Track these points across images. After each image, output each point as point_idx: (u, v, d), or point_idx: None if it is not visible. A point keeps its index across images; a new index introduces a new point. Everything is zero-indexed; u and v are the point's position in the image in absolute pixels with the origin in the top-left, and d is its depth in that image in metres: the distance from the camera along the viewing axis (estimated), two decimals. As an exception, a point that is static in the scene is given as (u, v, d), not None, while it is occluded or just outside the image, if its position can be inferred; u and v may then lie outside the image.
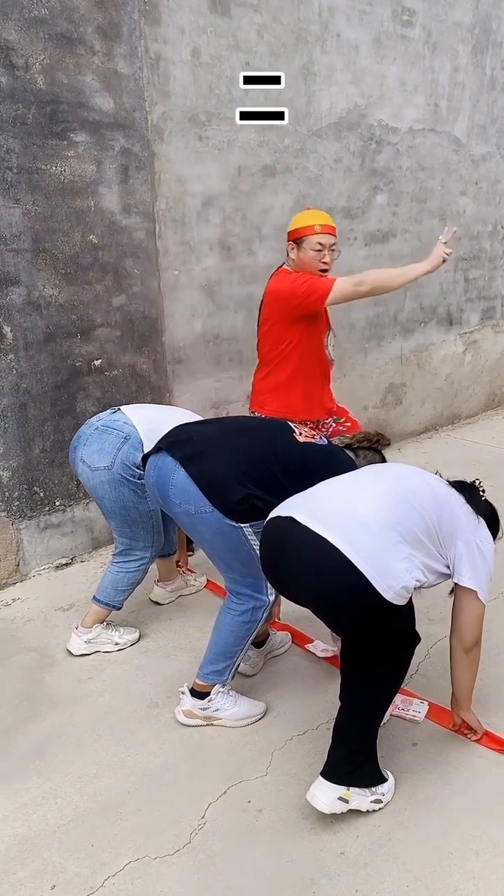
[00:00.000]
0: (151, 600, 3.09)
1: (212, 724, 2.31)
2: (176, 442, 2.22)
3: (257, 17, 3.56)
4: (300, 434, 2.29)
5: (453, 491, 2.02)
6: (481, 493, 2.09)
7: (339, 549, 1.76)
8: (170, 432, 2.32)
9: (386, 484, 1.94)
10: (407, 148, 4.60)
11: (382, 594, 1.74)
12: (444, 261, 2.86)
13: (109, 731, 2.32)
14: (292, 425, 2.36)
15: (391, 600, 1.76)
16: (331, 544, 1.77)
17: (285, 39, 3.71)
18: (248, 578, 2.21)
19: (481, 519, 2.01)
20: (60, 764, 2.18)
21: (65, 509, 3.40)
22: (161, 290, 3.52)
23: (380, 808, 1.97)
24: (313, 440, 2.30)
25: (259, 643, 2.62)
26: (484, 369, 5.96)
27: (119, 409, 2.68)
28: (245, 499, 2.07)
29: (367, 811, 1.95)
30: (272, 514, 1.96)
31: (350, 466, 2.23)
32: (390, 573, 1.76)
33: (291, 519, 1.86)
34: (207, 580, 3.23)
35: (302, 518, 1.85)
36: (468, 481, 2.15)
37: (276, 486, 2.09)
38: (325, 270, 2.85)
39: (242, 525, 2.10)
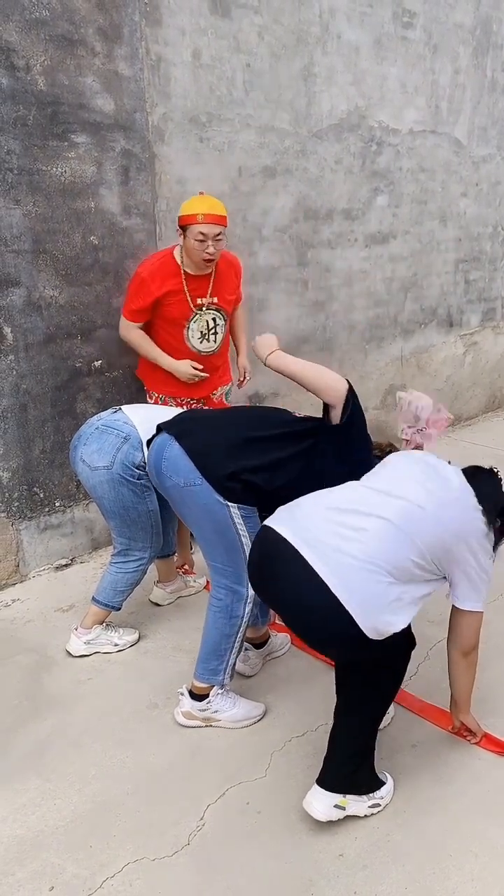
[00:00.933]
0: (151, 601, 3.09)
1: (211, 726, 2.31)
2: (173, 422, 2.27)
3: (258, 19, 3.56)
4: (299, 413, 2.34)
5: (467, 508, 1.86)
6: (500, 480, 1.98)
7: (331, 587, 1.69)
8: (173, 417, 2.36)
9: (392, 511, 1.80)
10: (407, 149, 4.60)
11: (366, 633, 1.70)
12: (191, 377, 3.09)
13: (108, 732, 2.32)
14: (293, 411, 2.42)
15: (371, 637, 1.72)
16: (324, 584, 1.70)
17: (286, 41, 3.71)
18: (229, 567, 2.21)
19: (489, 528, 1.88)
20: (59, 765, 2.18)
21: (64, 510, 3.40)
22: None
23: (378, 812, 1.97)
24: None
25: (259, 644, 2.62)
26: (484, 371, 5.96)
27: (120, 408, 2.68)
28: (236, 473, 2.08)
29: (366, 815, 1.95)
30: (266, 523, 1.89)
31: None
32: (378, 619, 1.71)
33: (284, 540, 1.79)
34: (207, 581, 3.23)
35: (296, 543, 1.77)
36: (486, 468, 2.02)
37: (262, 455, 2.11)
38: (208, 261, 2.93)
39: (231, 504, 2.10)
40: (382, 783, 2.00)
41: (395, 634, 1.79)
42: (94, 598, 2.75)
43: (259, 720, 2.34)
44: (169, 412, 2.72)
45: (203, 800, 2.03)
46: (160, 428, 2.29)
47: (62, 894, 1.76)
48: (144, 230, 3.36)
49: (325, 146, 4.08)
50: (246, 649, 2.56)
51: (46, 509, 3.33)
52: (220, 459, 2.10)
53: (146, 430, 2.53)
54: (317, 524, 1.81)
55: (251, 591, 2.24)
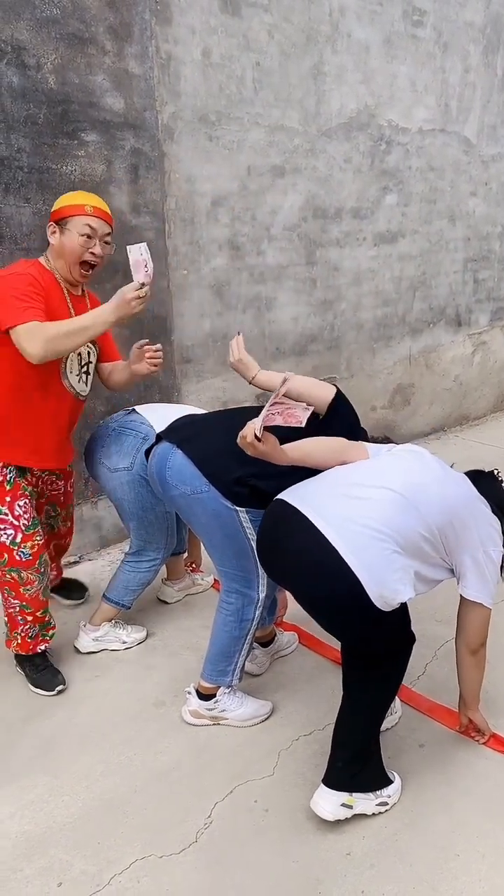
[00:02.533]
0: (159, 599, 3.10)
1: (218, 724, 2.31)
2: (173, 428, 2.26)
3: (268, 17, 3.56)
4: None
5: (471, 492, 1.95)
6: (501, 482, 2.06)
7: (340, 553, 1.73)
8: (170, 424, 2.35)
9: (397, 484, 1.85)
10: (417, 148, 4.59)
11: (374, 602, 1.73)
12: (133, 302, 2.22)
13: (116, 729, 2.32)
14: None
15: (381, 608, 1.75)
16: (332, 546, 1.75)
17: (296, 39, 3.71)
18: (240, 572, 2.21)
19: (496, 519, 1.97)
20: (67, 762, 2.19)
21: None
22: (170, 289, 3.53)
23: (386, 811, 1.97)
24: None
25: (266, 643, 2.62)
26: (493, 370, 5.94)
27: (133, 409, 2.68)
28: (243, 478, 2.06)
29: (374, 814, 1.95)
30: (278, 497, 1.94)
31: None
32: (385, 586, 1.74)
33: (296, 510, 1.84)
34: (215, 579, 3.24)
35: (307, 511, 1.82)
36: (486, 471, 2.11)
37: (276, 466, 2.09)
38: (88, 266, 2.35)
39: (239, 508, 2.09)
40: (390, 781, 2.00)
41: (394, 627, 1.83)
42: (104, 596, 2.76)
43: (267, 719, 2.34)
44: (182, 413, 2.73)
45: (211, 798, 2.04)
46: (159, 437, 2.27)
47: (70, 890, 1.76)
48: (154, 228, 3.37)
49: (334, 145, 4.08)
50: (253, 648, 2.56)
51: (55, 507, 3.34)
52: (225, 465, 2.08)
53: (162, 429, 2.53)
54: (325, 495, 1.86)
55: (262, 595, 2.25)
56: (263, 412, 1.77)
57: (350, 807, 1.91)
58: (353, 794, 1.92)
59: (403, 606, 1.85)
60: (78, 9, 2.89)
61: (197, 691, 2.33)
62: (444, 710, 2.35)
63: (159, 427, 2.54)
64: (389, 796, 1.98)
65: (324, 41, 3.85)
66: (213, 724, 2.31)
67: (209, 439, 2.15)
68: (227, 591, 2.27)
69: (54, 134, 2.94)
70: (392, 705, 2.22)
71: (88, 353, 2.48)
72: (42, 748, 2.24)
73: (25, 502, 2.39)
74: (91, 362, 2.51)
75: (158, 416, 2.62)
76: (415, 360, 5.12)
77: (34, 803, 2.03)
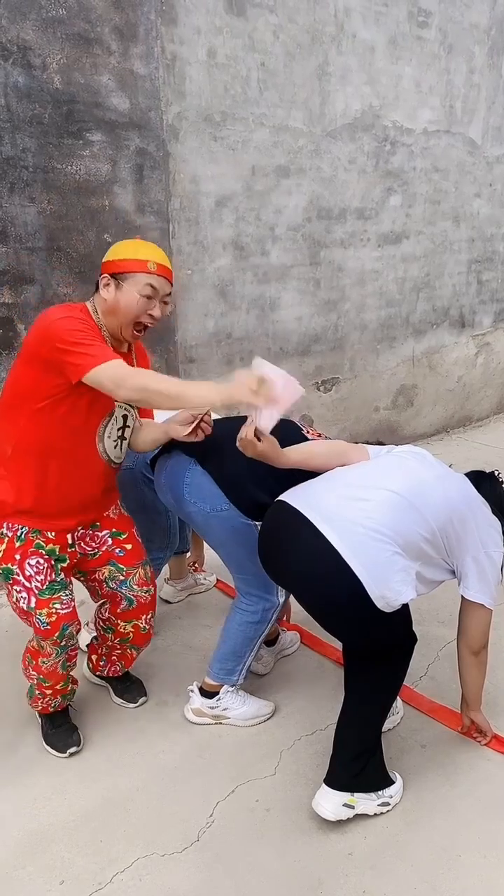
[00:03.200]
0: (162, 598, 3.10)
1: (220, 723, 2.32)
2: (189, 442, 2.20)
3: (273, 18, 3.56)
4: (307, 432, 2.30)
5: (471, 493, 1.96)
6: (501, 483, 2.08)
7: (342, 554, 1.74)
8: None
9: (398, 485, 1.86)
10: (421, 149, 4.59)
11: (376, 603, 1.74)
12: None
13: (119, 728, 2.33)
14: (300, 424, 2.37)
15: (382, 609, 1.75)
16: (333, 548, 1.75)
17: (301, 40, 3.71)
18: (260, 580, 2.21)
19: (496, 520, 1.98)
20: (70, 760, 2.19)
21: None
22: (174, 289, 3.52)
23: (388, 811, 1.97)
24: (321, 437, 2.32)
25: (271, 642, 2.63)
26: (496, 372, 5.94)
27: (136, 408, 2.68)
28: (265, 499, 2.06)
29: (375, 814, 1.96)
30: (279, 498, 1.95)
31: None
32: (387, 587, 1.74)
33: (297, 511, 1.85)
34: (217, 579, 3.24)
35: (308, 513, 1.82)
36: (487, 472, 2.12)
37: (289, 480, 2.07)
38: (144, 328, 2.07)
39: (257, 523, 2.10)
40: (392, 782, 2.00)
41: (395, 628, 1.83)
42: None
43: (268, 719, 2.35)
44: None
45: (212, 797, 2.04)
46: (169, 445, 2.22)
47: (72, 888, 1.77)
48: (158, 228, 3.37)
49: (338, 146, 4.08)
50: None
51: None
52: (247, 487, 2.08)
53: None
54: (326, 496, 1.87)
55: (282, 599, 2.27)
56: (262, 410, 1.75)
57: (352, 807, 1.92)
58: (355, 795, 1.92)
59: (405, 607, 1.85)
60: (84, 9, 2.90)
61: (200, 688, 2.34)
62: (446, 710, 2.35)
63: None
64: (391, 797, 1.98)
65: (329, 42, 3.85)
66: (215, 724, 2.32)
67: (228, 457, 2.06)
68: (247, 595, 2.28)
69: (59, 134, 2.95)
70: (394, 706, 2.23)
71: (127, 416, 2.13)
72: (45, 747, 2.25)
73: (38, 561, 2.04)
74: (129, 427, 2.16)
75: (163, 415, 2.62)
76: (418, 361, 5.12)
77: (36, 801, 2.04)
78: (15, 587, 2.06)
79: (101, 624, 2.36)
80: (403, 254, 4.73)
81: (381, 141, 4.31)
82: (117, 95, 3.08)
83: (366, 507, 1.80)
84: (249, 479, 2.09)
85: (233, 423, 2.39)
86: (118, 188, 3.19)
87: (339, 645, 2.58)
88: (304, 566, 1.82)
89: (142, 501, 2.56)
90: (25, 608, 2.07)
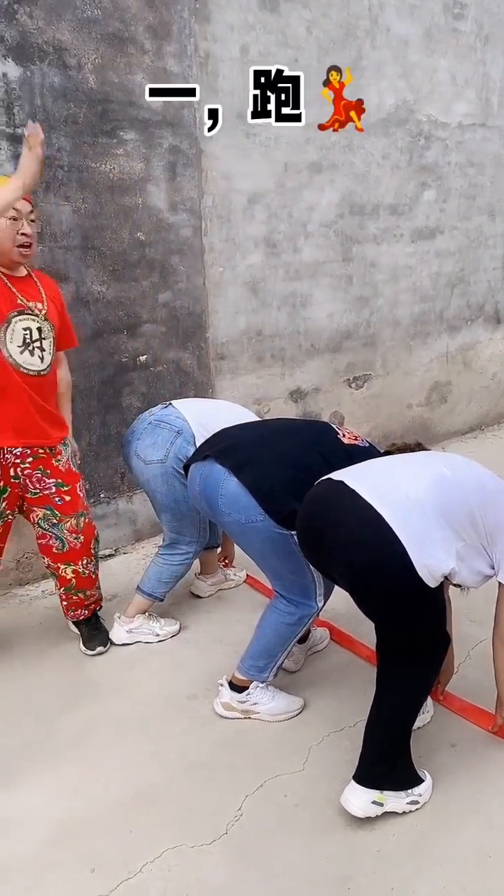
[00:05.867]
0: (192, 593, 3.12)
1: (249, 718, 2.33)
2: (224, 450, 2.22)
3: (306, 13, 3.55)
4: (343, 435, 2.30)
5: (499, 483, 1.96)
6: None
7: (385, 518, 1.76)
8: (214, 438, 2.34)
9: (434, 468, 1.92)
10: (456, 143, 4.54)
11: (418, 571, 1.74)
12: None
13: (149, 721, 2.36)
14: (334, 426, 2.37)
15: (423, 578, 1.76)
16: (379, 514, 1.77)
17: (334, 35, 3.69)
18: (298, 585, 2.22)
19: None
20: (101, 752, 2.22)
21: (109, 502, 3.46)
22: (206, 286, 3.55)
23: (417, 809, 1.96)
24: (357, 441, 2.30)
25: (302, 639, 2.62)
26: (532, 368, 5.84)
27: (170, 403, 2.73)
28: (297, 506, 2.06)
29: (404, 812, 1.95)
30: (321, 479, 1.97)
31: None
32: (428, 553, 1.76)
33: (341, 482, 1.88)
34: (247, 575, 3.25)
35: (353, 484, 1.86)
36: None
37: None
38: (24, 247, 2.32)
39: (293, 532, 2.08)
40: (421, 780, 1.99)
41: (430, 615, 1.85)
42: (138, 588, 2.80)
43: (298, 714, 2.35)
44: (218, 407, 2.76)
45: (241, 791, 2.05)
46: (203, 452, 2.25)
47: (102, 876, 1.80)
48: (190, 226, 3.39)
49: (372, 141, 4.05)
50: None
51: (91, 501, 3.39)
52: (282, 497, 2.09)
53: (198, 425, 2.57)
54: (371, 472, 1.94)
55: (321, 605, 2.28)
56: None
57: (381, 804, 1.91)
58: (384, 792, 1.92)
59: (442, 601, 1.86)
60: (118, 9, 2.92)
61: (230, 682, 2.35)
62: (477, 709, 2.33)
63: (194, 422, 2.57)
64: (420, 795, 1.97)
65: (363, 36, 3.83)
66: (244, 718, 2.33)
67: (264, 469, 2.12)
68: (286, 597, 2.28)
69: (94, 133, 2.98)
70: (424, 704, 2.21)
71: (41, 330, 2.39)
72: (77, 738, 2.29)
73: None
74: (44, 342, 2.41)
75: (193, 410, 2.66)
76: (452, 357, 5.07)
77: (68, 791, 2.07)
78: None
79: (49, 571, 2.68)
80: (437, 249, 4.68)
81: (415, 135, 4.27)
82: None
83: (410, 479, 1.86)
84: (284, 488, 2.09)
85: (260, 429, 2.40)
86: (151, 186, 3.21)
87: (368, 642, 2.58)
88: (347, 534, 1.83)
89: (173, 495, 2.59)
90: None
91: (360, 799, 1.91)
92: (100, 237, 3.10)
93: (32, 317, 2.37)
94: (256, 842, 1.89)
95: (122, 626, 2.77)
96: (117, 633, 2.77)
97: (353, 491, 1.84)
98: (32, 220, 2.34)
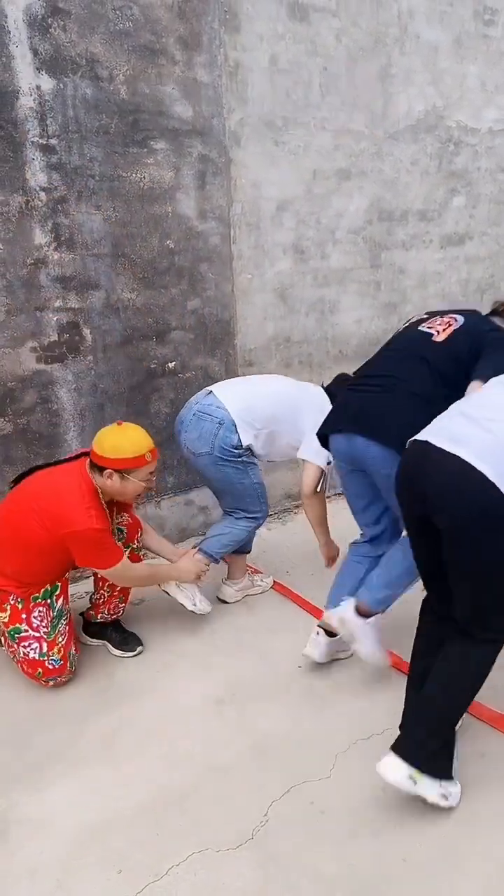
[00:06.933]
0: (219, 599, 3.13)
1: (343, 652, 2.60)
2: (355, 416, 2.35)
3: (336, 22, 3.56)
4: (437, 334, 2.37)
5: None
6: None
7: (470, 462, 1.77)
8: (339, 406, 2.47)
9: None
10: (486, 149, 4.51)
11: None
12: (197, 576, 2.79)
13: (176, 724, 2.37)
14: (424, 329, 2.43)
15: None
16: (463, 460, 1.78)
17: (363, 43, 3.70)
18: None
19: None
20: (128, 755, 2.24)
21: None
22: (234, 293, 3.57)
23: (444, 806, 1.94)
24: (451, 326, 2.38)
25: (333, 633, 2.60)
26: None
27: (211, 391, 2.83)
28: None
29: (433, 805, 1.93)
30: (409, 441, 2.01)
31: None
32: None
33: (426, 442, 1.90)
34: (273, 581, 3.25)
35: (435, 440, 1.87)
36: None
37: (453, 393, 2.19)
38: (140, 496, 2.54)
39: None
40: (453, 778, 1.98)
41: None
42: (198, 548, 2.91)
43: (382, 668, 2.51)
44: (257, 387, 2.91)
45: (267, 796, 2.05)
46: (338, 427, 2.42)
47: (129, 878, 1.81)
48: (219, 234, 3.42)
49: (400, 147, 4.05)
50: (317, 634, 2.59)
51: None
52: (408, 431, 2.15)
53: (238, 410, 2.72)
54: (451, 424, 1.93)
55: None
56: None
57: (414, 781, 1.90)
58: (421, 773, 1.90)
59: None
60: (149, 21, 2.96)
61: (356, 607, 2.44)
62: (507, 720, 2.30)
63: (233, 408, 2.72)
64: (451, 794, 1.95)
65: (392, 43, 3.83)
66: (337, 652, 2.59)
67: (396, 421, 2.24)
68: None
69: (125, 143, 3.02)
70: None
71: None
72: (105, 741, 2.31)
73: (40, 611, 2.48)
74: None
75: (234, 397, 2.79)
76: None
77: (95, 794, 2.09)
78: (23, 644, 2.44)
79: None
80: (467, 255, 4.65)
81: (444, 141, 4.26)
82: (181, 104, 3.14)
83: (490, 427, 1.84)
84: (420, 427, 2.09)
85: (369, 381, 2.45)
86: (181, 195, 3.25)
87: (401, 650, 2.56)
88: (438, 487, 1.84)
89: (228, 479, 2.78)
90: (38, 657, 2.44)
91: (398, 769, 1.90)
92: (130, 245, 3.15)
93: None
94: (283, 847, 1.89)
95: (230, 586, 3.10)
96: (227, 592, 3.11)
97: (436, 446, 1.86)
98: (151, 473, 2.49)
